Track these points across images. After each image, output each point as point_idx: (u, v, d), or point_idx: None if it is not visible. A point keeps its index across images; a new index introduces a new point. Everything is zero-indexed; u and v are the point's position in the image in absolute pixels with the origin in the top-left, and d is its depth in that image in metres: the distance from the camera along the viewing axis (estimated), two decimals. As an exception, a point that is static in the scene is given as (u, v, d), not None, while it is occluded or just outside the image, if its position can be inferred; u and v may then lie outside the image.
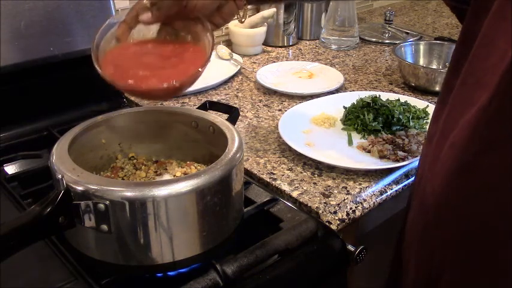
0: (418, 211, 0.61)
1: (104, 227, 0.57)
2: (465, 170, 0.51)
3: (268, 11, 1.41)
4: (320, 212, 0.78)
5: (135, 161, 0.76)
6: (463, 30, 0.58)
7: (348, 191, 0.82)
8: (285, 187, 0.83)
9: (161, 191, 0.56)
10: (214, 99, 1.16)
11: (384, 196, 0.84)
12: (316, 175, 0.87)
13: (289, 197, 0.82)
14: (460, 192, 0.52)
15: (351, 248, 0.72)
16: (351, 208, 0.80)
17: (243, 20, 0.72)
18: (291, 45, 1.52)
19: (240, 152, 0.64)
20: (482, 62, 0.51)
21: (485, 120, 0.48)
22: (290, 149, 0.92)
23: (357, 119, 1.01)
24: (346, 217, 0.78)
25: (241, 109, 1.11)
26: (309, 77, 1.28)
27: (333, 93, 1.16)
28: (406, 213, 0.67)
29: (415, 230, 0.62)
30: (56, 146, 0.64)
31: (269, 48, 1.50)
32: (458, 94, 0.55)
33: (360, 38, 1.55)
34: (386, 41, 1.56)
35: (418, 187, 0.62)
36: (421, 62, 1.32)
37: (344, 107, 1.07)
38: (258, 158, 0.92)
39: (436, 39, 1.51)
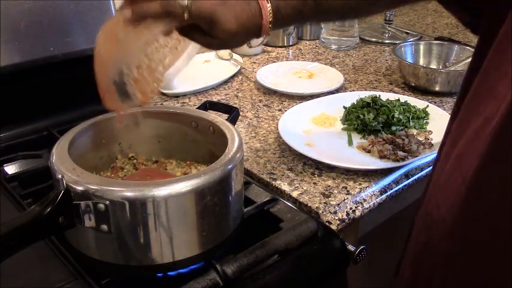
0: (423, 221, 0.60)
1: (104, 227, 0.57)
2: (470, 185, 0.50)
3: (268, 11, 1.41)
4: (320, 212, 0.78)
5: (135, 161, 0.76)
6: (481, 36, 0.57)
7: (348, 191, 0.82)
8: (285, 187, 0.83)
9: (161, 191, 0.56)
10: (214, 99, 1.16)
11: (384, 196, 0.84)
12: (316, 175, 0.87)
13: (289, 197, 0.81)
14: (465, 208, 0.51)
15: (351, 248, 0.72)
16: (351, 208, 0.80)
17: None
18: (291, 45, 1.52)
19: (240, 152, 0.64)
20: (494, 70, 0.49)
21: (492, 131, 0.47)
22: (290, 149, 0.92)
23: (357, 119, 1.01)
24: (346, 217, 0.78)
25: (241, 109, 1.11)
26: (309, 77, 1.28)
27: (333, 93, 1.16)
28: (418, 207, 0.65)
29: (421, 236, 0.60)
30: (56, 146, 0.64)
31: (269, 48, 1.50)
32: (469, 101, 0.53)
33: (360, 38, 1.55)
34: (386, 41, 1.56)
35: (426, 192, 0.60)
36: (421, 62, 1.32)
37: (344, 107, 1.07)
38: (258, 158, 0.92)
39: (436, 39, 1.51)
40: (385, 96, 1.08)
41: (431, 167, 0.91)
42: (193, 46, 0.67)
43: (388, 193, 0.84)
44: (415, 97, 1.14)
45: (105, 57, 0.63)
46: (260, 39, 0.67)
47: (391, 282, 0.70)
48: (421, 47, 1.33)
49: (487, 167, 0.48)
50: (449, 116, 1.02)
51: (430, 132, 0.99)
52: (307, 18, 0.68)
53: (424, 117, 1.04)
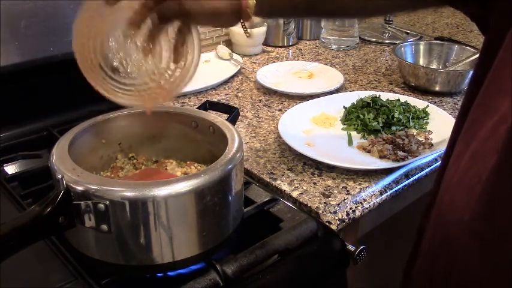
0: (437, 220, 0.59)
1: (104, 227, 0.57)
2: (486, 183, 0.49)
3: (268, 11, 1.41)
4: (320, 212, 0.78)
5: (135, 161, 0.76)
6: (490, 34, 0.57)
7: (348, 191, 0.82)
8: (285, 187, 0.83)
9: (161, 191, 0.56)
10: (214, 99, 1.16)
11: (384, 196, 0.84)
12: (316, 175, 0.87)
13: (289, 197, 0.82)
14: (480, 206, 0.50)
15: (351, 248, 0.72)
16: (351, 208, 0.80)
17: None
18: (291, 45, 1.52)
19: (240, 152, 0.64)
20: (505, 68, 0.49)
21: (508, 128, 0.46)
22: (290, 149, 0.92)
23: (357, 119, 1.01)
24: (346, 217, 0.78)
25: (241, 109, 1.11)
26: (309, 77, 1.28)
27: (333, 93, 1.16)
28: (428, 208, 0.64)
29: (436, 235, 0.60)
30: (56, 146, 0.64)
31: (269, 48, 1.50)
32: (481, 99, 0.53)
33: (360, 38, 1.55)
34: (386, 41, 1.56)
35: (437, 190, 0.60)
36: (421, 62, 1.32)
37: (344, 107, 1.07)
38: (258, 158, 0.92)
39: (436, 39, 1.51)
40: (385, 96, 1.08)
41: (431, 167, 0.91)
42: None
43: (388, 193, 0.84)
44: (415, 97, 1.14)
45: (84, 36, 0.64)
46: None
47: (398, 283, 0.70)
48: (421, 47, 1.33)
49: (504, 164, 0.47)
50: (449, 115, 1.02)
51: (430, 132, 1.00)
52: (298, 8, 0.68)
53: (424, 117, 1.04)
